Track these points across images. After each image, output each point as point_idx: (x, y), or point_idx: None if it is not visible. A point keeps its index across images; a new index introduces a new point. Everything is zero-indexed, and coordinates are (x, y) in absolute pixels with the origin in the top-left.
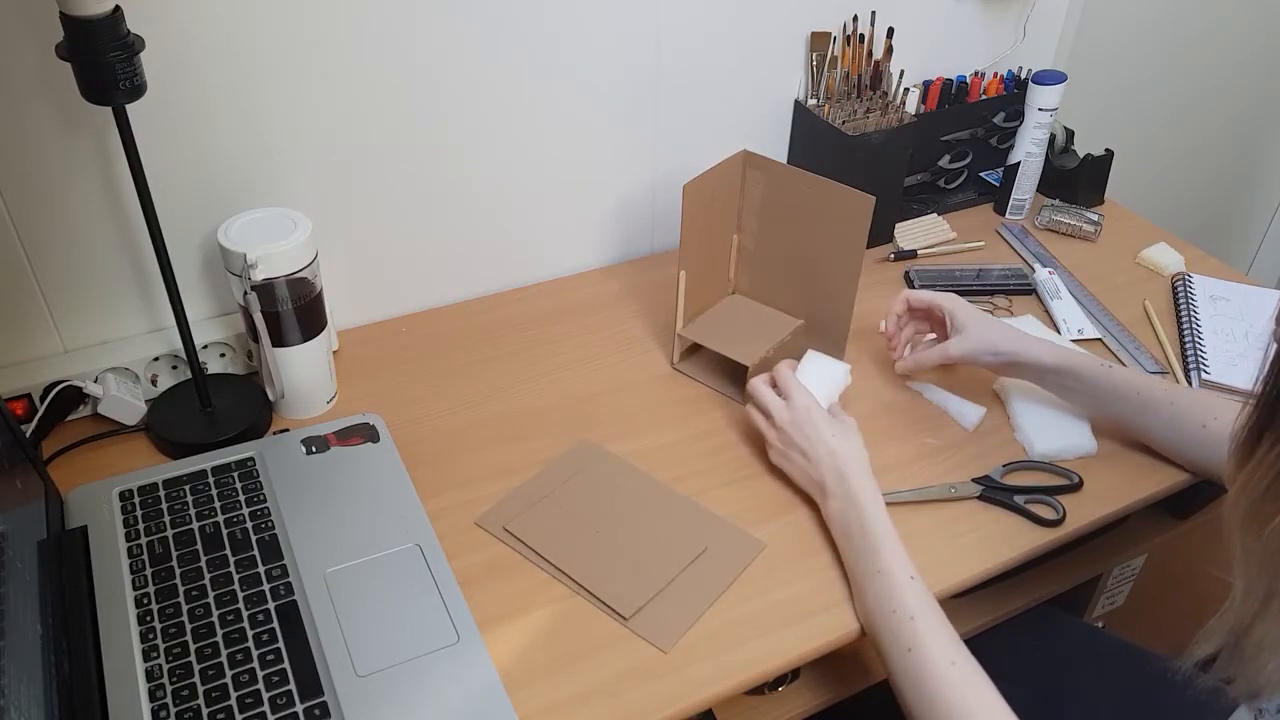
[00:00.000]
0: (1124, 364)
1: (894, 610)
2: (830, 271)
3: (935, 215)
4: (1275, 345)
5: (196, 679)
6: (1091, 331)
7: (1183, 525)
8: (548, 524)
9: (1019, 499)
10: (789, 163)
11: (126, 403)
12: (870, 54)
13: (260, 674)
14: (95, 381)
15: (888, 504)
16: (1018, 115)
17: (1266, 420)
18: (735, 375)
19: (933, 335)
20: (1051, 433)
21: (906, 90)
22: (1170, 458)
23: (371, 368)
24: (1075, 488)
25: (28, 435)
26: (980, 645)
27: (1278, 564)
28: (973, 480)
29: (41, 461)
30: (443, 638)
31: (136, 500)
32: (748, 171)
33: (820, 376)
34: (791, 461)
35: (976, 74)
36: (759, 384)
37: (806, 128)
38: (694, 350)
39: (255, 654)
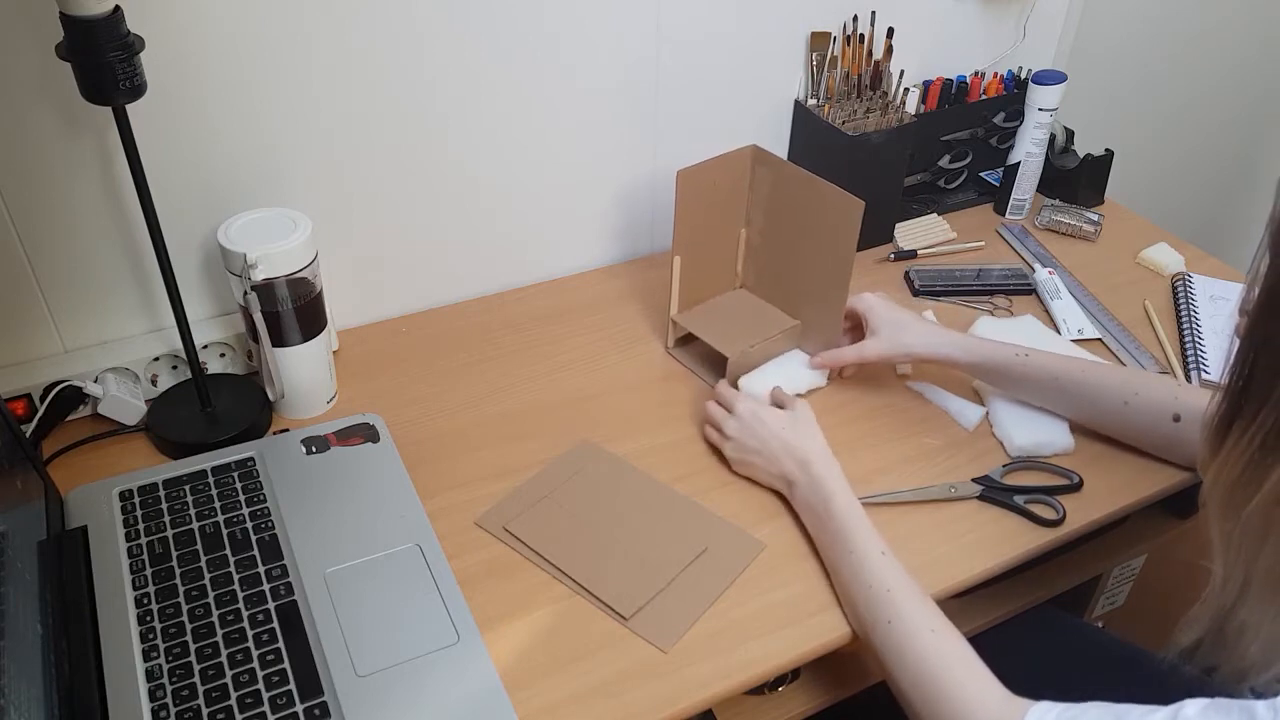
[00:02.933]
0: (1124, 363)
1: (870, 585)
2: (823, 273)
3: (935, 215)
4: (1237, 338)
5: (197, 679)
6: (1091, 331)
7: (1183, 525)
8: (547, 524)
9: (1019, 499)
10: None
11: (126, 403)
12: (870, 54)
13: (260, 674)
14: (95, 381)
15: (888, 504)
16: (1018, 115)
17: (1235, 410)
18: (723, 367)
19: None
20: (1028, 428)
21: (906, 90)
22: (1108, 434)
23: (371, 368)
24: (1075, 488)
25: (28, 435)
26: (980, 645)
27: (1254, 547)
28: (973, 480)
29: (41, 461)
30: (443, 638)
31: (136, 500)
32: (756, 168)
33: (789, 371)
34: (751, 465)
35: (976, 74)
36: (709, 405)
37: (807, 128)
38: (689, 339)
39: (255, 654)
